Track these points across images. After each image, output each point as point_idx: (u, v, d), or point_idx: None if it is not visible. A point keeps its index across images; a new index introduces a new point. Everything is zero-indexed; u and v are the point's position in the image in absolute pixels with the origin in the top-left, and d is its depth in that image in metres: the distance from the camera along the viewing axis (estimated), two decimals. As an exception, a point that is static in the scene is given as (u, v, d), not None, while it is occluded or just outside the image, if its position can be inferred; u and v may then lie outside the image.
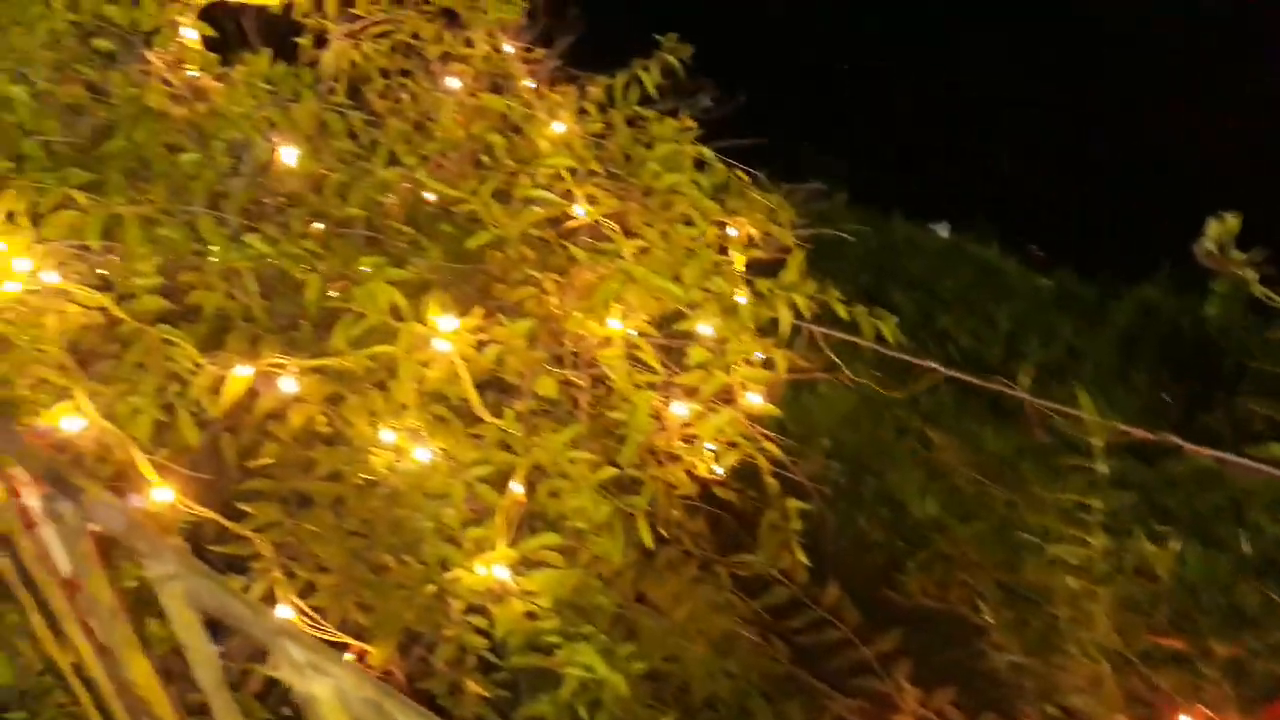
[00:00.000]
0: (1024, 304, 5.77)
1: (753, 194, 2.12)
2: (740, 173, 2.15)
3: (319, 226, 1.93)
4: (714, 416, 1.64)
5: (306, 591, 1.57)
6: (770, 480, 1.75)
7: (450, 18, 2.25)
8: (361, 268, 1.64)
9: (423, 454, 1.66)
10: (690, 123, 1.98)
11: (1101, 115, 7.18)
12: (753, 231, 2.12)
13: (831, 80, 7.62)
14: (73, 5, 1.70)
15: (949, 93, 7.76)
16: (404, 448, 1.65)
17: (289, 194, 1.88)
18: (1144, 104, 7.07)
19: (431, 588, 1.60)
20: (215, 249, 1.52)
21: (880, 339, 1.95)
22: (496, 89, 2.27)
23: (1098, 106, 7.24)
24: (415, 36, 2.24)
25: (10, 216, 1.50)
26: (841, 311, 1.76)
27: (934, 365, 1.91)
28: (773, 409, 1.72)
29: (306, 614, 1.50)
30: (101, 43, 1.68)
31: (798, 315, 1.87)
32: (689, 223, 2.02)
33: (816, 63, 7.65)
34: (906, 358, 1.99)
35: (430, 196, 2.07)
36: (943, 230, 6.36)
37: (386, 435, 1.65)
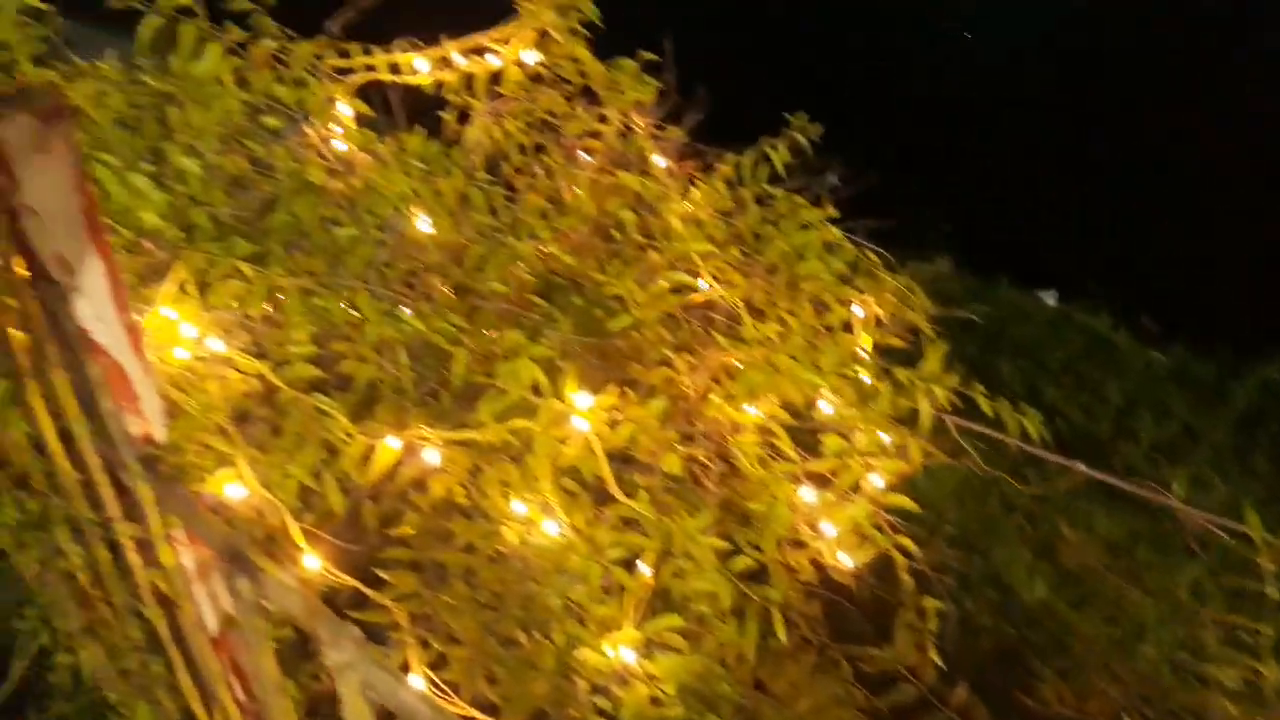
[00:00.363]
0: (1136, 379, 5.57)
1: (882, 274, 2.10)
2: (870, 253, 2.14)
3: (446, 290, 1.99)
4: (849, 507, 1.61)
5: (438, 663, 1.58)
6: (906, 578, 1.70)
7: (586, 94, 2.31)
8: (504, 343, 1.67)
9: (551, 527, 1.67)
10: (832, 210, 1.97)
11: (1223, 181, 6.95)
12: (879, 312, 2.10)
13: (935, 144, 7.56)
14: (244, 85, 1.79)
15: (1055, 154, 7.62)
16: (535, 520, 1.66)
17: (432, 264, 1.94)
18: (1272, 172, 6.82)
19: (558, 665, 1.60)
20: (370, 321, 1.57)
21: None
22: (627, 164, 2.31)
23: (1219, 171, 7.01)
24: (550, 113, 2.30)
25: (180, 286, 1.58)
26: (985, 407, 1.72)
27: (1079, 465, 1.84)
28: (909, 503, 1.68)
29: (440, 687, 1.51)
30: (271, 120, 1.77)
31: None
32: (818, 303, 2.02)
33: (919, 127, 7.61)
34: (1052, 457, 1.92)
35: (561, 269, 2.11)
36: (1050, 298, 6.19)
37: (518, 507, 1.67)
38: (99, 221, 1.29)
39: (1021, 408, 1.75)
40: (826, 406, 1.82)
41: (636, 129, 2.28)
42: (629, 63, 2.13)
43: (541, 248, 2.08)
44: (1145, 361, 5.81)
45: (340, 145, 1.94)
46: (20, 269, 1.29)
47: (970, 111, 8.01)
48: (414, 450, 1.62)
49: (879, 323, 2.07)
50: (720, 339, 1.76)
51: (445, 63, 2.02)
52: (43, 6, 1.68)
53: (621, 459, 1.87)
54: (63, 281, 1.27)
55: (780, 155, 2.29)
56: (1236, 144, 7.32)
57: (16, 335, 1.48)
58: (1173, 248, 6.71)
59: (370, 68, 1.96)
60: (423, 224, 1.95)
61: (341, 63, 1.93)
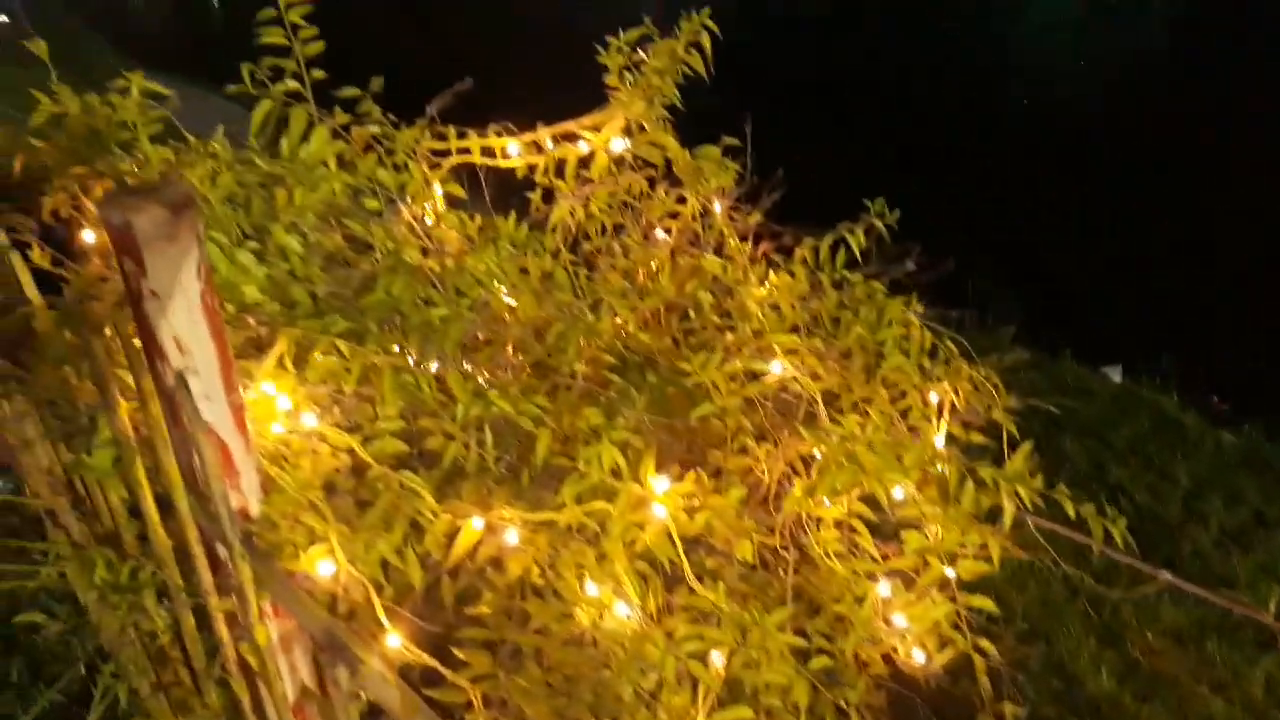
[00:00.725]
0: (1206, 461, 5.44)
1: (960, 363, 2.10)
2: (949, 340, 2.13)
3: (528, 367, 2.02)
4: (930, 607, 1.59)
5: (510, 747, 1.58)
6: (984, 680, 1.68)
7: (667, 173, 2.35)
8: (582, 422, 1.70)
9: (623, 610, 1.68)
10: (917, 305, 1.98)
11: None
12: (956, 401, 2.09)
13: (1001, 218, 7.54)
14: (346, 166, 1.86)
15: (1119, 230, 7.53)
16: (608, 604, 1.67)
17: (516, 340, 1.98)
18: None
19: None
20: (461, 402, 1.60)
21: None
22: (704, 244, 2.34)
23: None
24: (629, 192, 2.35)
25: (279, 361, 1.63)
26: (1069, 509, 1.70)
27: (1164, 574, 1.80)
28: (989, 604, 1.66)
29: (512, 774, 1.51)
30: (372, 203, 1.84)
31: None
32: (895, 390, 2.02)
33: (986, 202, 7.61)
34: (1135, 562, 1.87)
35: (636, 346, 2.14)
36: (1115, 374, 6.09)
37: (592, 589, 1.68)
38: (215, 305, 1.35)
39: (1109, 512, 1.72)
40: (901, 493, 1.82)
41: (714, 211, 2.32)
42: (712, 149, 2.17)
43: (619, 323, 2.12)
44: (1214, 443, 5.67)
45: (432, 222, 2.00)
46: (138, 345, 1.35)
47: (1038, 188, 7.99)
48: (494, 529, 1.64)
49: (955, 410, 2.07)
50: (798, 426, 1.77)
51: (536, 147, 2.08)
52: (164, 91, 1.77)
53: (694, 537, 1.88)
54: (178, 362, 1.32)
55: (857, 240, 2.31)
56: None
57: (124, 405, 1.54)
58: (1242, 327, 6.58)
59: (465, 150, 2.02)
60: (509, 300, 2.00)
61: (438, 145, 2.00)
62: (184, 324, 1.31)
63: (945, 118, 9.10)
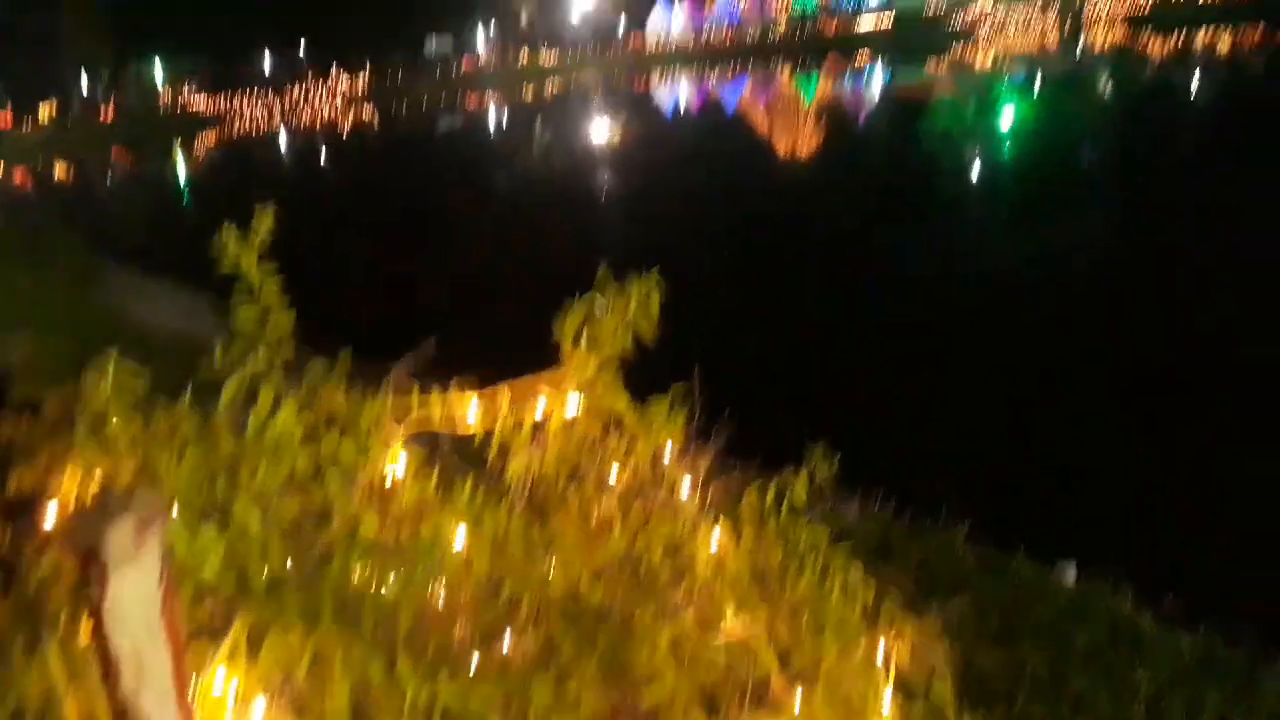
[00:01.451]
0: (1166, 666, 5.41)
1: (903, 621, 2.15)
2: (893, 592, 2.20)
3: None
4: None
5: None
6: None
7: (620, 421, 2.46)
8: (534, 704, 1.72)
9: None
10: (870, 584, 2.06)
11: (1252, 459, 6.97)
12: (902, 650, 2.14)
13: (946, 419, 7.74)
14: (311, 439, 1.94)
15: (1073, 425, 7.73)
16: None
17: (467, 603, 2.00)
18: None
19: None
20: (409, 691, 1.62)
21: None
22: (655, 487, 2.42)
23: (1243, 449, 7.06)
24: (582, 440, 2.44)
25: (233, 647, 1.65)
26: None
27: None
28: None
29: None
30: (333, 481, 1.89)
31: None
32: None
33: (933, 394, 7.86)
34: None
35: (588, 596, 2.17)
36: (1069, 570, 6.11)
37: None
38: (175, 611, 1.38)
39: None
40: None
41: (664, 457, 2.41)
42: (661, 405, 2.29)
43: (573, 581, 2.15)
44: (1173, 647, 5.66)
45: (397, 476, 2.06)
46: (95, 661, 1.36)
47: (988, 386, 8.27)
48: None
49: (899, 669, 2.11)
50: (749, 705, 1.79)
51: (494, 403, 2.18)
52: (137, 373, 1.86)
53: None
54: (133, 675, 1.34)
55: (801, 486, 2.40)
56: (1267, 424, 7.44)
57: (74, 705, 1.53)
58: (1195, 526, 6.67)
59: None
60: (462, 551, 2.04)
61: (400, 410, 2.09)
62: (142, 636, 1.34)
63: (894, 316, 9.52)
